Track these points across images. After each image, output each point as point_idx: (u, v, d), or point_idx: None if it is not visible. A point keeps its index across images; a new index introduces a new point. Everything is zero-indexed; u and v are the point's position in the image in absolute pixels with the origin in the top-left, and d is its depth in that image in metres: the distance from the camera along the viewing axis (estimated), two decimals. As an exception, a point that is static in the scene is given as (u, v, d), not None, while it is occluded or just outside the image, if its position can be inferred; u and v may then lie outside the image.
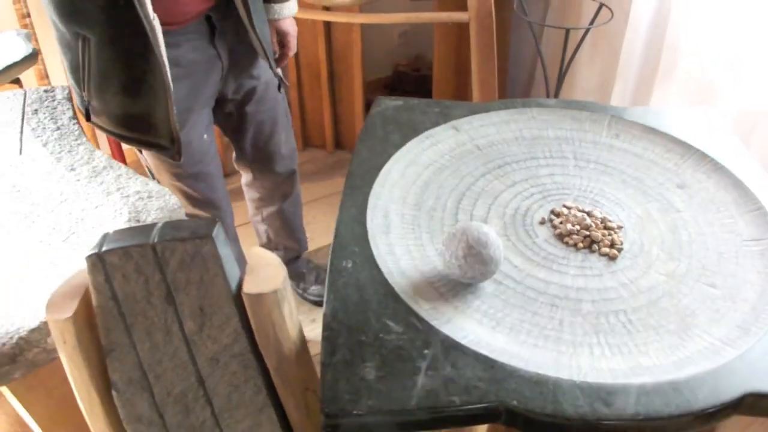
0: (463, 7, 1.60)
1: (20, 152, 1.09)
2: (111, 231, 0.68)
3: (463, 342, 0.71)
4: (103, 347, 0.72)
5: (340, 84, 2.02)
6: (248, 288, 0.67)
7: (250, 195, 1.52)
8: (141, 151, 1.25)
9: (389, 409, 0.64)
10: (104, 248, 0.65)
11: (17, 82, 1.41)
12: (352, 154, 0.97)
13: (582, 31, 1.55)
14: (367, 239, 0.82)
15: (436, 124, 1.02)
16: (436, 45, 1.91)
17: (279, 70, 1.32)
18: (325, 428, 0.64)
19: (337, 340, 0.71)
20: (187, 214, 1.33)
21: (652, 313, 0.76)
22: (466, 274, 0.76)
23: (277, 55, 1.34)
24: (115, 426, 0.78)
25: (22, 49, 1.35)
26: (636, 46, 1.50)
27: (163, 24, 1.02)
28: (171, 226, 0.66)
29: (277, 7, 1.24)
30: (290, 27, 1.30)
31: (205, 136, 1.25)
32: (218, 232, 0.65)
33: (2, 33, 1.43)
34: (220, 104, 1.28)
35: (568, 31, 1.46)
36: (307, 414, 0.78)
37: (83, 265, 0.72)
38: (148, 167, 1.31)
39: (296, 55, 1.84)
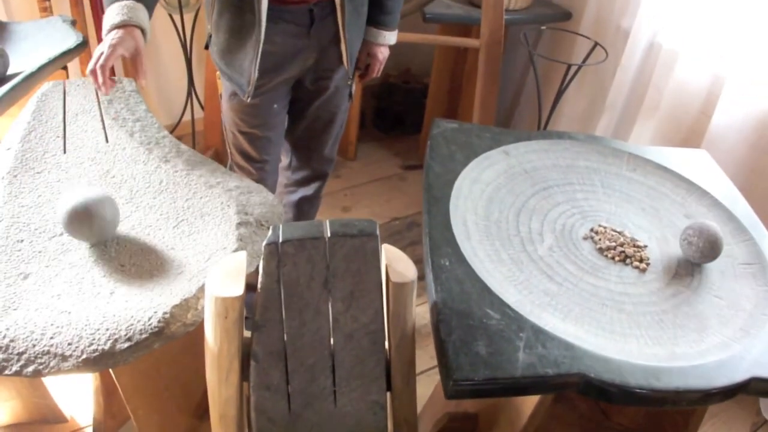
0: (464, 34, 1.84)
1: (107, 140, 1.22)
2: (281, 224, 0.86)
3: (546, 328, 0.94)
4: (254, 322, 0.89)
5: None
6: (394, 278, 0.87)
7: (280, 178, 1.71)
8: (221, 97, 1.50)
9: (501, 377, 0.87)
10: (281, 239, 0.83)
11: (64, 69, 1.50)
12: (425, 169, 1.18)
13: (573, 66, 1.83)
14: (456, 242, 1.04)
15: (490, 147, 1.26)
16: (435, 65, 2.14)
17: (353, 84, 1.52)
18: (453, 392, 0.86)
19: (452, 322, 0.92)
20: (237, 165, 1.56)
21: (677, 315, 1.03)
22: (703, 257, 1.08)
23: (359, 73, 1.54)
24: (240, 394, 0.96)
25: (72, 37, 1.45)
26: (624, 83, 1.80)
27: None
28: (340, 223, 0.85)
29: (375, 31, 1.46)
30: (380, 54, 1.51)
31: (275, 105, 1.45)
32: (378, 231, 0.85)
33: (48, 19, 1.51)
34: (294, 87, 1.48)
35: (569, 66, 1.74)
36: (407, 383, 0.98)
37: (200, 251, 0.89)
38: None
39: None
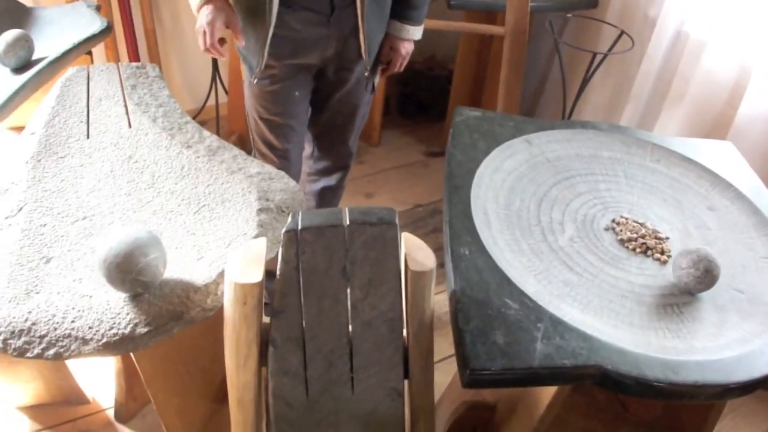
0: (489, 21, 1.84)
1: (129, 125, 1.24)
2: (301, 211, 0.87)
3: (565, 319, 0.95)
4: (272, 309, 0.91)
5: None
6: (413, 266, 0.88)
7: (303, 167, 1.73)
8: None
9: (517, 367, 0.88)
10: (300, 226, 0.85)
11: (89, 54, 1.52)
12: (447, 157, 1.19)
13: (599, 54, 1.82)
14: (476, 231, 1.05)
15: (513, 136, 1.26)
16: (460, 52, 2.14)
17: (376, 77, 1.53)
18: (470, 381, 0.87)
19: (470, 312, 0.93)
20: (259, 152, 1.59)
21: (697, 308, 1.02)
22: (695, 287, 1.01)
23: (382, 66, 1.55)
24: (258, 379, 0.98)
25: (97, 22, 1.47)
26: (650, 73, 1.79)
27: None
28: (359, 211, 0.86)
29: (399, 25, 1.45)
30: (403, 49, 1.50)
31: (296, 93, 1.47)
32: (397, 219, 0.86)
33: (73, 5, 1.54)
34: (316, 77, 1.49)
35: (594, 54, 1.73)
36: (425, 371, 1.00)
37: (220, 237, 0.90)
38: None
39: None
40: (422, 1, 1.46)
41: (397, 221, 0.85)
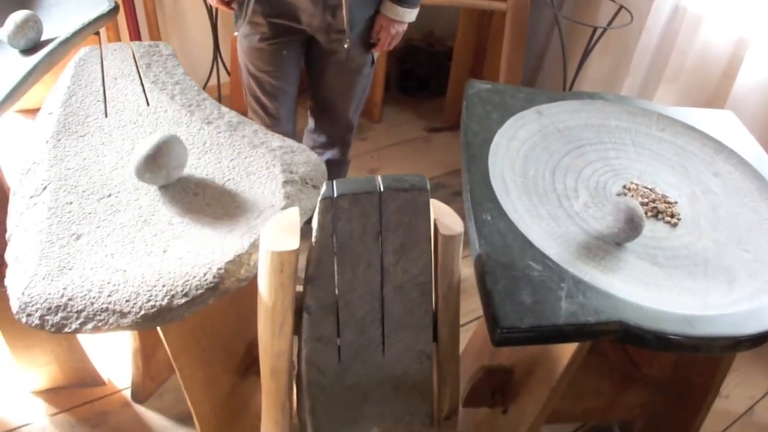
0: (490, -4, 1.88)
1: (147, 103, 1.27)
2: (334, 180, 0.91)
3: (585, 279, 1.00)
4: (307, 276, 0.96)
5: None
6: (443, 231, 0.93)
7: (306, 142, 1.79)
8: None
9: (545, 324, 0.93)
10: (336, 193, 0.89)
11: (96, 34, 1.54)
12: (462, 128, 1.24)
13: (599, 29, 1.87)
14: (496, 198, 1.10)
15: (523, 108, 1.31)
16: (460, 27, 2.19)
17: (374, 55, 1.63)
18: (501, 339, 0.92)
19: (496, 273, 0.98)
20: (251, 108, 1.71)
21: (707, 267, 1.09)
22: (621, 237, 1.06)
23: (372, 42, 1.60)
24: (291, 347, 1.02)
25: (104, 3, 1.49)
26: (648, 46, 1.85)
27: None
28: (392, 178, 0.90)
29: (389, 4, 1.51)
30: (392, 28, 1.54)
31: (284, 53, 1.58)
32: (428, 185, 0.91)
33: (78, -18, 1.55)
34: (310, 44, 1.58)
35: (595, 29, 1.78)
36: (452, 333, 1.05)
37: (248, 209, 0.95)
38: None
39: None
40: None
41: (428, 187, 0.90)
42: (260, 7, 1.49)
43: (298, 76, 1.68)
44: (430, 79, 2.67)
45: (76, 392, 1.62)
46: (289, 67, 1.62)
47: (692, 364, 1.35)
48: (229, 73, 2.33)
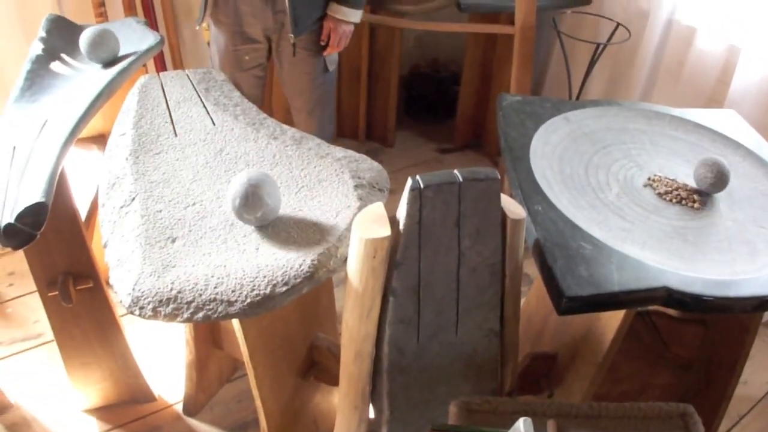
0: (492, 21, 2.15)
1: (213, 123, 1.47)
2: (418, 175, 1.12)
3: (629, 254, 1.23)
4: (395, 261, 1.16)
5: (376, 81, 2.52)
6: (511, 215, 1.15)
7: None
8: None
9: (603, 292, 1.15)
10: (423, 185, 1.10)
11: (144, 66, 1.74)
12: (502, 135, 1.47)
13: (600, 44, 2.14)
14: (542, 191, 1.33)
15: (552, 115, 1.55)
16: (468, 52, 2.46)
17: (331, 59, 1.97)
18: (566, 308, 1.14)
19: (555, 253, 1.20)
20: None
21: (731, 242, 1.32)
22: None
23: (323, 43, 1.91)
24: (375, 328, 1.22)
25: (150, 36, 1.70)
26: (646, 59, 2.12)
27: None
28: (468, 171, 1.12)
29: (335, 5, 1.83)
30: (338, 27, 1.86)
31: (247, 57, 1.96)
32: (499, 176, 1.13)
33: (122, 21, 1.76)
34: (272, 44, 1.93)
35: (597, 45, 2.05)
36: (516, 311, 1.26)
37: (326, 210, 1.16)
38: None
39: (339, 54, 2.31)
40: None
41: (499, 177, 1.12)
42: (213, 12, 1.87)
43: (262, 83, 2.03)
44: (437, 104, 2.95)
45: (128, 408, 1.76)
46: (250, 72, 1.98)
47: (717, 343, 1.59)
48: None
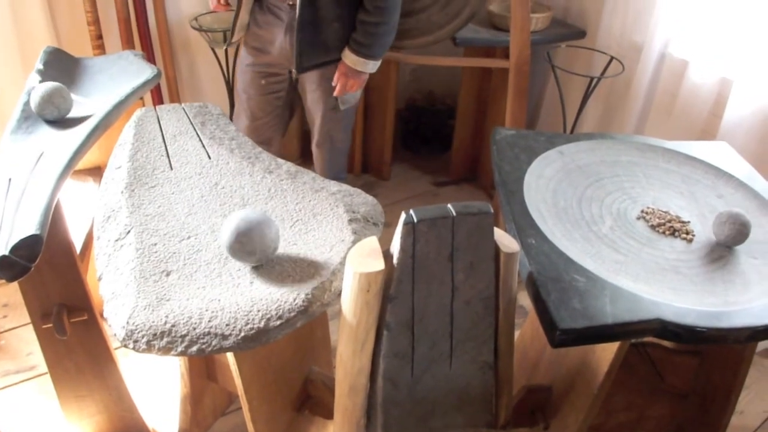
0: (488, 55, 2.20)
1: (208, 156, 1.50)
2: (411, 209, 1.15)
3: (623, 287, 1.25)
4: (389, 295, 1.17)
5: (372, 114, 2.57)
6: (504, 249, 1.17)
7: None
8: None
9: (596, 325, 1.17)
10: (416, 219, 1.13)
11: (140, 99, 1.78)
12: (495, 169, 1.50)
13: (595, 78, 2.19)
14: (536, 225, 1.35)
15: (546, 149, 1.58)
16: (463, 85, 2.51)
17: (342, 102, 2.05)
18: (559, 341, 1.15)
19: (548, 286, 1.22)
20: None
21: (723, 273, 1.34)
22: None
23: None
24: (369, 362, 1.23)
25: (147, 69, 1.73)
26: (639, 91, 2.17)
27: None
28: (461, 205, 1.14)
29: (346, 51, 1.90)
30: (344, 71, 1.93)
31: (263, 81, 2.07)
32: (492, 210, 1.15)
33: (119, 54, 1.79)
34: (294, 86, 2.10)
35: (591, 79, 2.10)
36: (510, 344, 1.28)
37: (320, 244, 1.18)
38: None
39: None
40: (368, 39, 1.87)
41: (492, 211, 1.15)
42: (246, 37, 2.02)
43: (278, 111, 2.13)
44: (433, 137, 3.00)
45: (121, 443, 1.76)
46: (266, 98, 2.09)
47: (712, 373, 1.60)
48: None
